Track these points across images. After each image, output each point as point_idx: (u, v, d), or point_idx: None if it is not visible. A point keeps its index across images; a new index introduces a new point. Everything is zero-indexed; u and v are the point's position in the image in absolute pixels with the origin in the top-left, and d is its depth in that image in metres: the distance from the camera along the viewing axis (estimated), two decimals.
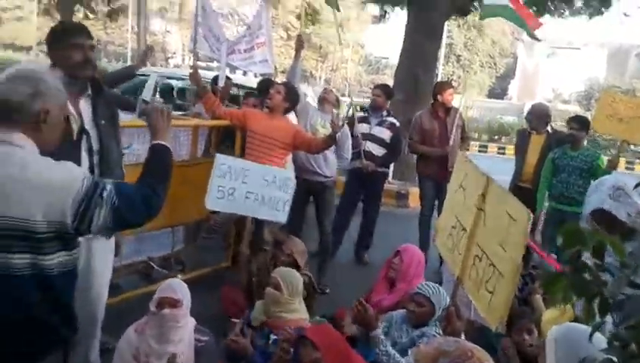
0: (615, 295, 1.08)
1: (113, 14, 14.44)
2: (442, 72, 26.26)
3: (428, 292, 2.92)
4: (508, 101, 40.28)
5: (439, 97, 5.55)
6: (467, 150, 5.82)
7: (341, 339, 2.72)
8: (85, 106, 2.48)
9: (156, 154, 2.01)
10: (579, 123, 5.00)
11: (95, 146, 2.48)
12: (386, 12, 12.60)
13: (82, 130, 2.44)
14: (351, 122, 5.28)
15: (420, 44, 9.25)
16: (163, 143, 2.04)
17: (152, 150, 2.01)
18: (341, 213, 5.54)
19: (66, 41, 2.41)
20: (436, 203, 5.62)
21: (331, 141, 4.25)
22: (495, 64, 42.96)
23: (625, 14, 10.73)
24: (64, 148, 2.30)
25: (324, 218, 4.90)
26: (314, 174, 4.79)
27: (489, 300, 1.68)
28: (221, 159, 3.91)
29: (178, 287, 2.74)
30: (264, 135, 4.30)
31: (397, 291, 3.59)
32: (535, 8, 11.20)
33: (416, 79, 9.18)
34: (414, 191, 9.04)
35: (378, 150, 5.44)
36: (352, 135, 5.04)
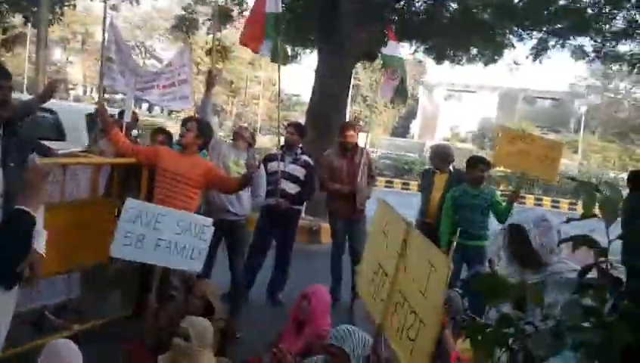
0: (538, 349, 1.08)
1: (8, 43, 13.49)
2: (350, 111, 27.18)
3: (339, 341, 2.74)
4: (411, 140, 42.43)
5: (342, 137, 5.70)
6: (375, 186, 5.95)
7: None
8: None
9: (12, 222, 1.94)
10: (487, 164, 5.33)
11: (0, 188, 2.38)
12: (297, 53, 12.86)
13: None
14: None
15: (331, 85, 9.52)
16: (25, 209, 1.94)
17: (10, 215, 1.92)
18: (254, 252, 5.42)
19: None
20: (347, 238, 5.69)
21: (246, 181, 4.15)
22: (398, 104, 45.20)
23: (515, 62, 11.69)
24: None
25: (237, 258, 4.76)
26: (226, 212, 4.65)
27: (411, 348, 1.66)
28: (131, 204, 3.63)
29: (64, 350, 2.42)
30: (176, 173, 4.11)
31: (304, 336, 3.49)
32: (435, 54, 12.00)
33: (327, 118, 9.37)
34: (326, 227, 9.14)
35: (293, 188, 5.42)
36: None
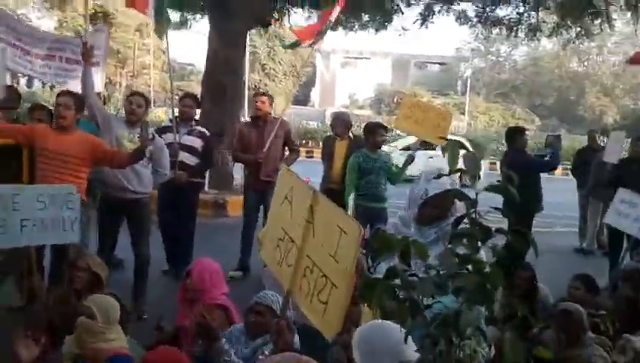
0: (422, 296, 1.17)
1: None
2: (248, 80, 26.74)
3: (268, 300, 2.88)
4: (311, 108, 42.73)
5: (253, 106, 5.71)
6: (294, 161, 5.76)
7: (185, 359, 2.56)
8: None
9: None
10: (385, 129, 5.66)
11: None
12: (187, 18, 12.34)
13: None
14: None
15: (225, 53, 9.27)
16: None
17: None
18: (163, 227, 5.41)
19: None
20: (262, 210, 5.64)
21: (138, 155, 3.98)
22: (297, 73, 45.14)
23: (403, 28, 12.11)
24: None
25: (140, 238, 4.54)
26: (123, 190, 4.41)
27: (323, 311, 1.71)
28: None
29: None
30: (57, 152, 3.90)
31: (197, 308, 3.44)
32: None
33: (224, 87, 9.17)
34: (234, 200, 9.05)
35: (191, 160, 5.31)
36: None
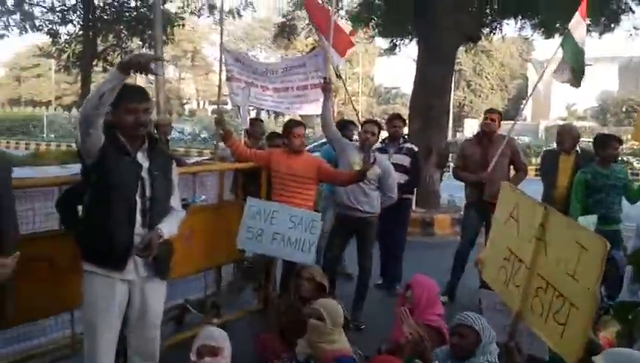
0: None
1: None
2: (453, 98, 26.41)
3: (471, 321, 2.85)
4: (523, 122, 40.19)
5: (481, 123, 5.58)
6: (520, 181, 5.39)
7: None
8: (142, 158, 2.71)
9: None
10: (620, 141, 5.03)
11: (148, 192, 2.70)
12: (395, 44, 12.75)
13: (139, 178, 2.68)
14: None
15: (433, 74, 9.33)
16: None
17: None
18: (381, 244, 5.65)
19: (121, 105, 2.59)
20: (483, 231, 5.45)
21: (359, 176, 4.29)
22: (506, 87, 43.07)
23: (635, 28, 10.65)
24: (125, 190, 2.61)
25: (365, 254, 4.88)
26: (353, 210, 4.78)
27: (561, 333, 1.63)
28: (251, 202, 4.08)
29: (218, 335, 2.74)
30: (287, 173, 4.40)
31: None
32: (544, 29, 11.33)
33: (430, 107, 9.23)
34: (440, 219, 9.07)
35: (400, 178, 5.42)
36: None
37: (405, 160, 5.52)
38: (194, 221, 3.95)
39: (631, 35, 11.00)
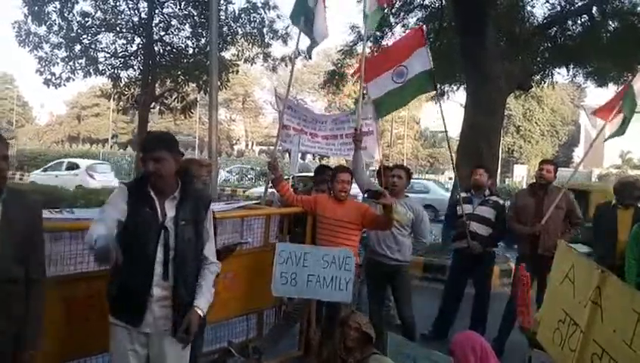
0: None
1: (186, 109, 15.43)
2: (502, 143, 26.03)
3: None
4: (575, 170, 38.89)
5: (536, 173, 5.50)
6: (576, 235, 5.36)
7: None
8: (169, 206, 2.69)
9: None
10: None
11: (172, 243, 2.64)
12: (444, 91, 12.78)
13: (163, 227, 2.64)
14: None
15: (482, 120, 9.26)
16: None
17: None
18: (447, 298, 5.62)
19: (145, 154, 2.67)
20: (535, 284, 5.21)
21: (386, 222, 4.28)
22: (556, 132, 42.19)
23: None
24: (143, 241, 2.58)
25: (403, 304, 4.84)
26: (384, 257, 4.79)
27: None
28: (281, 247, 4.13)
29: None
30: (333, 219, 4.44)
31: None
32: (596, 77, 11.16)
33: (479, 153, 9.12)
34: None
35: (484, 230, 5.35)
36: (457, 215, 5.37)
37: (490, 212, 5.38)
38: (237, 263, 4.02)
39: None
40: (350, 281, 4.05)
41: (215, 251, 2.91)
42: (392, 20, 11.91)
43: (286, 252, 4.10)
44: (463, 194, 5.59)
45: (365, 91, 5.67)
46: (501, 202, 5.49)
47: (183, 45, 14.96)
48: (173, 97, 15.44)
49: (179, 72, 14.70)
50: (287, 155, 5.49)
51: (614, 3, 9.95)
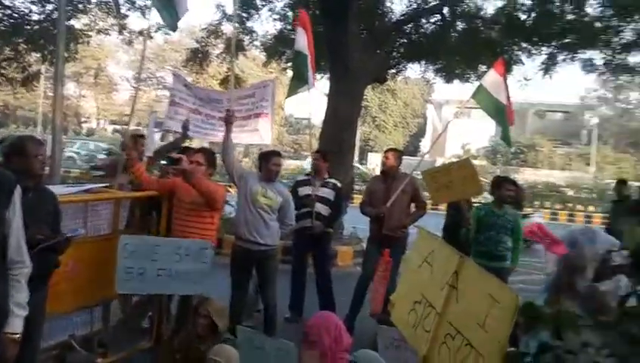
0: None
1: (28, 82, 13.83)
2: (359, 132, 27.31)
3: (365, 360, 2.80)
4: (421, 158, 42.17)
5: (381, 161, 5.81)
6: (419, 217, 5.70)
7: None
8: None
9: None
10: (513, 184, 5.43)
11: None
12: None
13: None
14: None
15: (343, 110, 9.59)
16: None
17: None
18: (295, 275, 5.78)
19: None
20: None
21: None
22: (407, 124, 45.27)
23: (525, 78, 11.65)
24: None
25: (268, 289, 4.79)
26: (254, 244, 4.67)
27: None
28: (124, 239, 3.78)
29: None
30: (186, 201, 4.28)
31: None
32: (444, 74, 12.09)
33: (340, 141, 9.43)
34: (343, 250, 9.16)
35: (325, 210, 5.64)
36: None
37: (331, 194, 5.70)
38: (80, 252, 3.64)
39: (522, 85, 12.01)
40: (206, 274, 3.86)
41: (24, 247, 2.48)
42: (258, 2, 11.75)
43: (131, 246, 3.74)
44: (304, 177, 5.99)
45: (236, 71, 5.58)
46: (339, 184, 5.84)
47: (26, 10, 13.28)
48: (13, 67, 13.72)
49: (21, 40, 13.07)
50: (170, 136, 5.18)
51: (463, 5, 10.80)
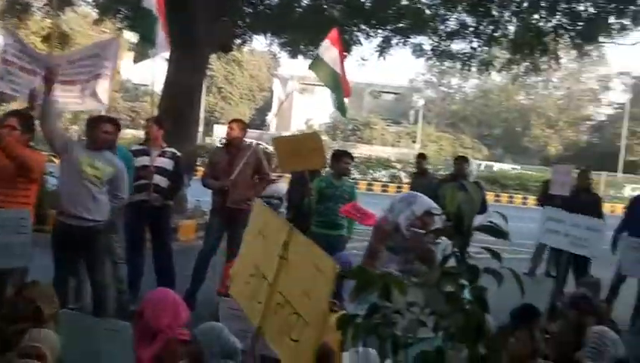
0: (405, 335, 1.16)
1: None
2: (205, 103, 26.58)
3: (206, 334, 2.75)
4: (267, 132, 42.65)
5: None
6: (264, 188, 5.73)
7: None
8: None
9: None
10: (351, 157, 5.68)
11: None
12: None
13: None
14: None
15: (185, 78, 9.19)
16: None
17: None
18: (131, 253, 5.22)
19: None
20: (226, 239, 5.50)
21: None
22: (254, 97, 45.25)
23: (363, 59, 12.27)
24: None
25: (97, 270, 4.31)
26: (79, 219, 4.17)
27: (294, 349, 1.68)
28: None
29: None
30: (2, 170, 3.83)
31: (157, 342, 3.27)
32: (289, 49, 12.22)
33: (181, 111, 9.05)
34: (185, 224, 8.91)
35: (165, 182, 5.26)
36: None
37: (169, 164, 5.31)
38: None
39: (360, 65, 12.64)
40: (27, 245, 3.52)
41: None
42: None
43: None
44: (137, 147, 5.47)
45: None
46: (178, 154, 5.53)
47: None
48: None
49: None
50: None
51: None
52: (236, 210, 5.29)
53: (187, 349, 2.78)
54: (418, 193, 2.66)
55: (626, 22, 9.58)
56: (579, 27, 9.92)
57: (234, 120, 5.87)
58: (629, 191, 26.65)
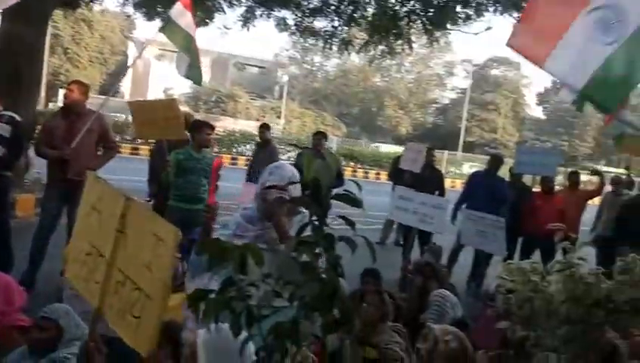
0: (260, 307, 1.13)
1: None
2: (48, 65, 23.96)
3: (56, 315, 2.70)
4: (120, 99, 39.90)
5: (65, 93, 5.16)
6: (109, 159, 5.34)
7: None
8: None
9: None
10: (212, 128, 5.42)
11: None
12: None
13: None
14: None
15: (22, 34, 8.14)
16: None
17: None
18: None
19: None
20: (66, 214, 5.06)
21: None
22: (105, 61, 41.94)
23: (225, 27, 11.89)
24: None
25: None
26: None
27: (136, 326, 1.57)
28: None
29: None
30: None
31: None
32: (145, 10, 11.44)
33: (19, 70, 8.05)
34: (24, 199, 8.03)
35: (1, 151, 4.60)
36: None
37: (6, 129, 4.63)
38: None
39: (222, 33, 12.26)
40: None
41: None
42: None
43: None
44: None
45: None
46: (18, 118, 4.91)
47: None
48: None
49: None
50: None
51: None
52: (78, 182, 4.80)
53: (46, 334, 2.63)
54: (284, 163, 2.67)
55: (470, 12, 10.47)
56: (430, 13, 10.62)
57: (74, 81, 5.38)
58: (467, 168, 29.65)
